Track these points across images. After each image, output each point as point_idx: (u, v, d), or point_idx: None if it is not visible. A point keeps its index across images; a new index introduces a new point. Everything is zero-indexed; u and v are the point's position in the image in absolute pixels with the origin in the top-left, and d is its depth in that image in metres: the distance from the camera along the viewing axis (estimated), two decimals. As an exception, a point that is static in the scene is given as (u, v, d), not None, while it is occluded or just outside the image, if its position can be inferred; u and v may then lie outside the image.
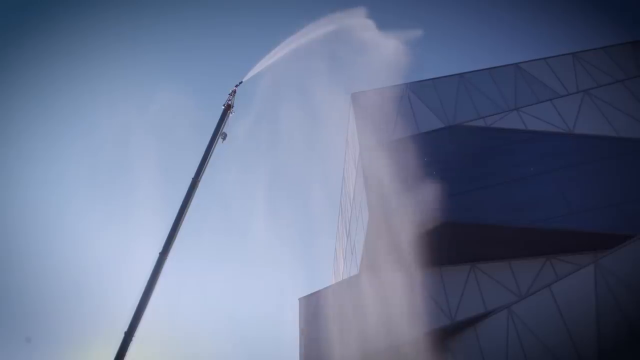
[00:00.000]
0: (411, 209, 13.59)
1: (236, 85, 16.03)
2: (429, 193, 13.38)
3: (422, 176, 14.08)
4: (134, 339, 12.25)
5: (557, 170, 14.85)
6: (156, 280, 13.15)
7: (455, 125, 16.82)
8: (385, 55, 16.87)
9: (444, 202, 13.15)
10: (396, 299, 13.73)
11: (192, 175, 14.57)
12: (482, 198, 14.36)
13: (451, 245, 13.46)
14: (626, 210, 13.33)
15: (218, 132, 15.31)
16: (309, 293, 16.61)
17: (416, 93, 18.20)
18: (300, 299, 16.49)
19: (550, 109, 16.53)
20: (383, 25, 17.59)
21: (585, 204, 13.88)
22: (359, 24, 17.82)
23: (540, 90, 17.62)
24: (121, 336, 12.25)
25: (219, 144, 15.35)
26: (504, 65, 18.84)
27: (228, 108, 15.69)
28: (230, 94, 15.93)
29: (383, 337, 13.64)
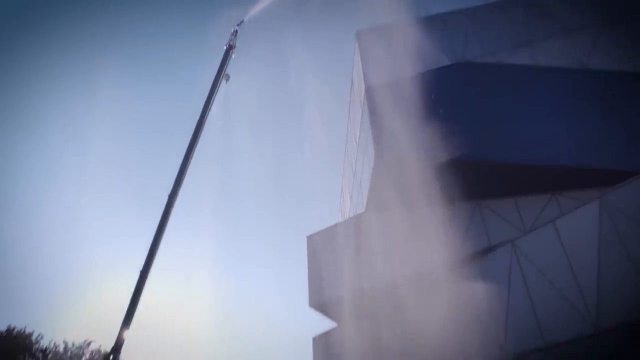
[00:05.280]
0: (417, 146, 13.56)
1: (237, 25, 15.66)
2: (436, 131, 13.28)
3: (429, 114, 13.92)
4: (149, 276, 12.86)
5: (566, 106, 14.61)
6: (166, 223, 13.59)
7: (464, 62, 16.41)
8: None
9: (450, 140, 13.05)
10: (402, 236, 14.02)
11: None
12: (489, 135, 14.26)
13: (457, 183, 13.50)
14: (633, 147, 13.23)
15: (221, 73, 15.16)
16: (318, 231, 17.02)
17: (423, 29, 17.61)
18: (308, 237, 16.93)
19: (563, 43, 16.01)
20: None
21: (592, 141, 13.76)
22: None
23: (553, 24, 16.96)
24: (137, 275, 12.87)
25: (223, 85, 15.24)
26: (515, -2, 18.05)
27: (230, 48, 15.44)
28: (232, 34, 15.60)
29: (386, 274, 14.07)
